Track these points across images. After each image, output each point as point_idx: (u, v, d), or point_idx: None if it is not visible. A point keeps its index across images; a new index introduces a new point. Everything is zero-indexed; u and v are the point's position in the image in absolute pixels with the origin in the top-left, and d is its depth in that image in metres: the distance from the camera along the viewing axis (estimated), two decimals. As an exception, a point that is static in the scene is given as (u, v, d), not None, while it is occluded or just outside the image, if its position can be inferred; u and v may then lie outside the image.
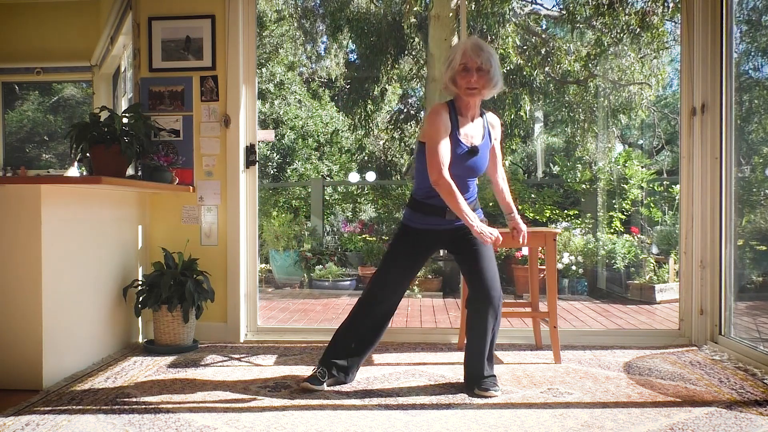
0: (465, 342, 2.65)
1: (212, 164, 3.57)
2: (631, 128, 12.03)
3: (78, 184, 2.93)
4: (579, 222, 6.37)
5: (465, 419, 2.22)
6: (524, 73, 8.85)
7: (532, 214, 6.57)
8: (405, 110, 11.16)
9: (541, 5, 9.55)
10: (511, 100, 9.15)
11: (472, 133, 2.58)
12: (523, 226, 2.79)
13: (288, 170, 9.62)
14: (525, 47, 9.08)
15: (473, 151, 2.56)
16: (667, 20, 7.88)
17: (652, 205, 6.23)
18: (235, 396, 2.51)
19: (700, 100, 3.36)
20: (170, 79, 3.57)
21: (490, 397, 2.48)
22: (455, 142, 2.53)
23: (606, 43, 8.33)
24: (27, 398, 2.47)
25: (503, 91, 2.76)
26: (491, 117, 2.70)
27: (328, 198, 8.24)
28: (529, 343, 3.45)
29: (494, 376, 2.58)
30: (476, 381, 2.55)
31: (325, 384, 2.60)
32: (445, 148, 2.48)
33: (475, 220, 2.47)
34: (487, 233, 2.44)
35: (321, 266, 6.36)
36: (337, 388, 2.62)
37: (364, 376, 2.80)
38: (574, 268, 5.77)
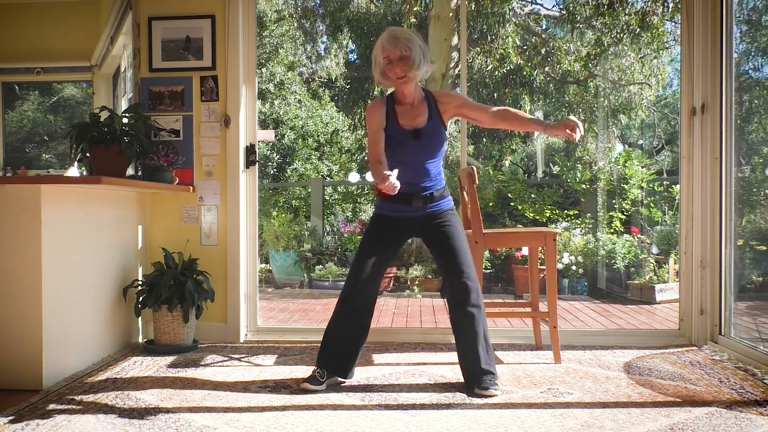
0: (456, 342, 2.67)
1: (212, 164, 3.57)
2: (631, 128, 12.03)
3: (78, 184, 2.93)
4: (579, 222, 6.37)
5: (465, 419, 2.22)
6: (524, 73, 8.86)
7: (532, 214, 6.58)
8: (405, 110, 11.14)
9: (541, 5, 9.56)
10: (511, 100, 9.15)
11: (413, 117, 2.63)
12: (572, 119, 2.47)
13: (288, 170, 9.62)
14: (525, 47, 9.09)
15: (416, 134, 2.60)
16: (667, 20, 7.88)
17: (652, 205, 6.23)
18: (235, 396, 2.51)
19: (700, 100, 3.36)
20: (170, 79, 3.57)
21: (490, 396, 2.48)
22: (396, 130, 2.61)
23: (606, 43, 8.34)
24: (27, 398, 2.47)
25: (431, 73, 2.73)
26: (437, 94, 2.70)
27: (328, 198, 8.24)
28: (529, 343, 3.45)
29: (493, 373, 2.57)
30: (475, 378, 2.55)
31: (324, 384, 2.60)
32: (373, 141, 2.62)
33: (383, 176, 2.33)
34: (380, 180, 2.33)
35: (321, 266, 6.37)
36: (337, 388, 2.62)
37: (364, 376, 2.80)
38: (574, 268, 5.77)
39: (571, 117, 2.48)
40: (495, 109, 2.68)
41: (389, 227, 2.68)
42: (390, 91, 2.72)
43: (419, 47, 2.56)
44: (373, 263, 2.64)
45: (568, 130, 2.45)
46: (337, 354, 2.65)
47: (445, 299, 2.71)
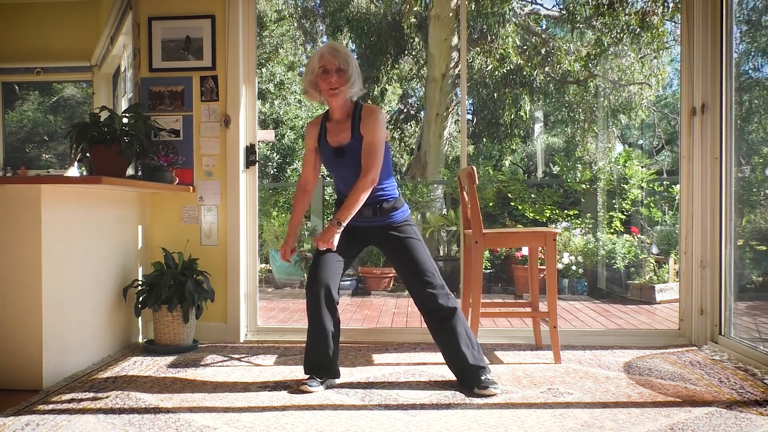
0: (439, 348, 2.68)
1: (212, 164, 3.57)
2: (631, 128, 12.04)
3: (78, 184, 2.93)
4: (579, 222, 6.37)
5: (465, 419, 2.22)
6: (524, 73, 8.86)
7: (532, 214, 6.58)
8: (405, 110, 11.17)
9: (541, 5, 9.56)
10: (511, 100, 9.16)
11: (339, 134, 2.64)
12: (326, 230, 2.55)
13: (288, 170, 9.62)
14: (525, 47, 9.09)
15: (338, 152, 2.63)
16: (667, 20, 7.88)
17: (652, 205, 6.23)
18: (235, 396, 2.51)
19: (700, 100, 3.36)
20: (170, 79, 3.57)
21: (490, 395, 2.48)
22: (324, 146, 2.68)
23: (606, 43, 8.34)
24: (27, 398, 2.47)
25: (362, 92, 2.71)
26: (365, 110, 2.64)
27: (328, 198, 8.24)
28: (529, 343, 3.45)
29: (484, 367, 2.57)
30: (469, 376, 2.55)
31: (323, 385, 2.61)
32: (304, 162, 2.82)
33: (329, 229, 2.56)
34: (322, 239, 2.55)
35: (321, 266, 6.35)
36: (337, 388, 2.63)
37: (364, 376, 2.80)
38: (574, 268, 5.77)
39: (325, 230, 2.55)
40: (364, 169, 2.53)
41: (344, 233, 2.64)
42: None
43: (356, 67, 2.61)
44: (330, 260, 2.64)
45: (316, 242, 2.58)
46: (319, 359, 2.64)
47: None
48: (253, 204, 3.64)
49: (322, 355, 2.64)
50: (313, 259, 2.68)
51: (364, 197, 2.54)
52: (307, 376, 2.65)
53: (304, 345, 2.71)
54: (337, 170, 2.70)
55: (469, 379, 2.56)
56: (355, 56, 11.18)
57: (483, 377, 2.54)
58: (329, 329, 2.63)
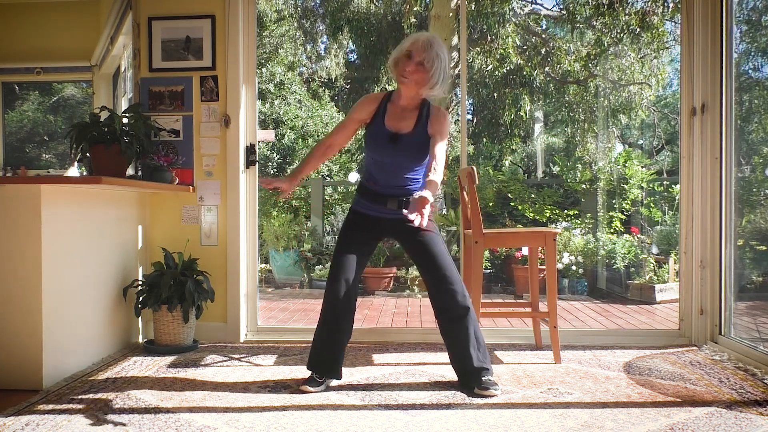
0: (446, 346, 2.66)
1: (212, 164, 3.57)
2: (631, 128, 12.03)
3: (78, 184, 2.93)
4: (579, 222, 6.37)
5: (465, 419, 2.22)
6: (524, 73, 8.86)
7: (532, 214, 6.58)
8: (405, 110, 11.13)
9: (541, 5, 9.56)
10: (511, 100, 9.16)
11: (399, 121, 2.58)
12: (422, 194, 2.24)
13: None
14: (525, 47, 9.09)
15: (393, 137, 2.56)
16: (667, 20, 7.88)
17: (652, 205, 6.23)
18: (235, 396, 2.51)
19: (700, 100, 3.36)
20: (170, 79, 3.57)
21: (490, 396, 2.48)
22: (379, 127, 2.59)
23: (606, 43, 8.34)
24: (27, 398, 2.47)
25: (447, 95, 2.66)
26: (436, 111, 2.61)
27: (328, 198, 8.24)
28: (529, 343, 3.45)
29: (488, 369, 2.57)
30: (471, 377, 2.55)
31: (323, 385, 2.61)
32: (340, 126, 2.69)
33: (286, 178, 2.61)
34: (266, 182, 2.58)
35: (321, 266, 6.36)
36: (337, 388, 2.63)
37: (364, 376, 2.80)
38: (574, 268, 5.77)
39: (422, 194, 2.23)
40: (435, 164, 2.46)
41: (363, 224, 2.66)
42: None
43: (443, 71, 2.49)
44: (351, 260, 2.62)
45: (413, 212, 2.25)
46: (328, 357, 2.64)
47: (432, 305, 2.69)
48: (253, 204, 3.64)
49: (331, 354, 2.64)
50: (334, 258, 2.64)
51: (436, 190, 2.50)
52: (308, 376, 2.65)
53: (305, 345, 2.71)
54: (381, 155, 2.60)
55: (470, 380, 2.56)
56: (354, 57, 11.17)
57: (484, 378, 2.54)
58: (344, 330, 2.63)
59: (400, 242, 2.76)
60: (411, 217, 2.18)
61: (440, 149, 2.54)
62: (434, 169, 2.45)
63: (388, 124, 2.59)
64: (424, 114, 2.59)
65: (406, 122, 2.58)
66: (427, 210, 2.22)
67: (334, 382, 2.69)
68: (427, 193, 2.24)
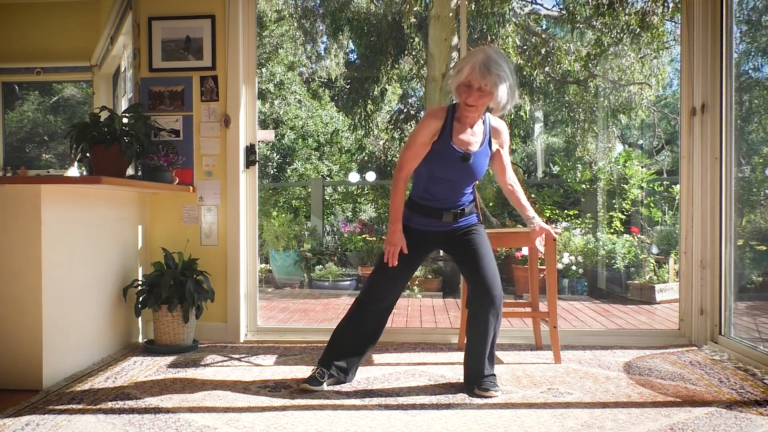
0: (465, 342, 2.65)
1: (212, 164, 3.57)
2: (631, 128, 12.03)
3: (78, 184, 2.93)
4: (579, 222, 6.37)
5: (465, 419, 2.22)
6: (524, 73, 8.85)
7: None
8: (405, 110, 11.15)
9: (541, 5, 9.55)
10: (511, 100, 9.14)
11: (468, 139, 2.55)
12: (546, 227, 2.75)
13: (288, 170, 9.62)
14: (525, 47, 9.08)
15: (466, 157, 2.52)
16: (667, 20, 7.88)
17: (652, 205, 6.23)
18: (235, 396, 2.51)
19: (700, 100, 3.36)
20: (170, 79, 3.57)
21: (490, 397, 2.48)
22: (447, 147, 2.51)
23: (606, 43, 8.33)
24: (27, 398, 2.47)
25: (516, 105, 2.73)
26: (496, 122, 2.63)
27: (328, 198, 8.25)
28: (529, 343, 3.45)
29: (494, 375, 2.58)
30: (476, 380, 2.55)
31: (324, 384, 2.60)
32: (412, 154, 2.54)
33: (392, 232, 2.55)
34: (387, 252, 2.53)
35: (321, 266, 6.36)
36: (337, 388, 2.63)
37: (364, 376, 2.80)
38: (574, 268, 5.77)
39: (546, 227, 2.74)
40: (511, 179, 2.74)
41: (416, 239, 2.60)
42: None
43: (509, 87, 2.44)
44: (398, 274, 2.61)
45: (538, 240, 2.71)
46: (344, 357, 2.64)
47: (463, 301, 2.70)
48: (253, 204, 3.64)
49: (354, 362, 2.66)
50: (383, 266, 2.58)
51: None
52: (308, 375, 2.64)
53: (305, 345, 2.72)
54: (451, 173, 2.54)
55: (474, 382, 2.56)
56: (354, 57, 11.18)
57: (487, 380, 2.54)
58: (368, 335, 2.65)
59: (451, 251, 2.71)
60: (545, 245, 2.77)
61: (508, 162, 2.72)
62: (520, 190, 2.75)
63: (457, 143, 2.52)
64: (488, 128, 2.60)
65: (475, 141, 2.56)
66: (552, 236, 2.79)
67: (342, 381, 2.68)
68: (545, 227, 2.74)
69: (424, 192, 2.60)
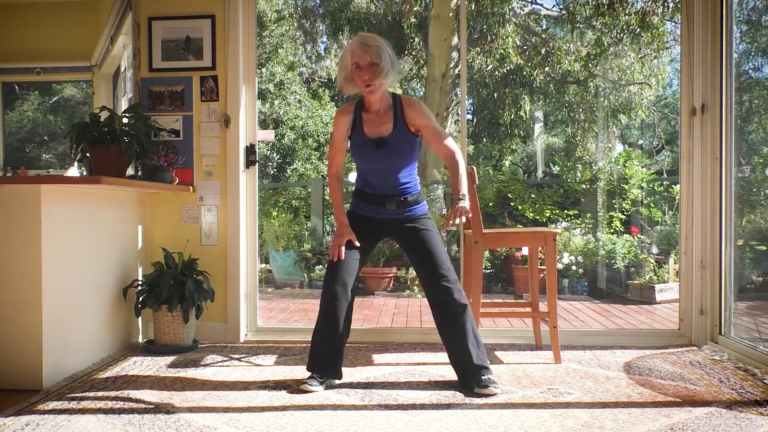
0: (444, 344, 2.68)
1: (212, 164, 3.57)
2: (631, 128, 12.04)
3: (78, 184, 2.93)
4: (579, 222, 6.37)
5: (465, 419, 2.22)
6: (524, 73, 8.85)
7: (532, 214, 6.58)
8: (405, 110, 11.14)
9: (541, 5, 9.56)
10: (511, 100, 9.15)
11: (378, 126, 2.62)
12: (463, 205, 2.55)
13: (288, 170, 9.62)
14: (525, 47, 9.09)
15: (379, 143, 2.60)
16: (667, 20, 7.88)
17: (652, 205, 6.23)
18: (235, 396, 2.51)
19: (700, 100, 3.36)
20: (170, 79, 3.57)
21: (490, 395, 2.48)
22: (360, 137, 2.63)
23: (606, 43, 8.34)
24: (27, 398, 2.47)
25: (403, 76, 2.75)
26: (405, 101, 2.64)
27: (328, 198, 8.24)
28: (529, 343, 3.45)
29: (487, 368, 2.57)
30: (471, 376, 2.55)
31: (323, 385, 2.61)
32: (334, 151, 2.74)
33: (337, 228, 2.67)
34: (331, 248, 2.60)
35: (321, 266, 6.36)
36: (337, 388, 2.63)
37: (364, 376, 2.80)
38: (574, 268, 5.77)
39: (461, 205, 2.55)
40: (449, 147, 2.65)
41: (363, 226, 2.70)
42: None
43: (389, 55, 2.53)
44: (350, 260, 2.63)
45: (454, 218, 2.56)
46: (328, 358, 2.64)
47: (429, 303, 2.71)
48: (253, 204, 3.64)
49: (330, 355, 2.63)
50: (332, 261, 2.65)
51: (464, 165, 2.67)
52: (308, 375, 2.65)
53: (305, 345, 2.71)
54: (372, 162, 2.65)
55: (469, 379, 2.56)
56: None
57: (484, 377, 2.54)
58: (342, 329, 2.63)
59: (398, 241, 2.80)
60: (451, 223, 2.51)
61: (437, 135, 2.65)
62: (458, 161, 2.62)
63: (368, 131, 2.63)
64: (399, 111, 2.63)
65: (385, 125, 2.62)
66: (463, 218, 2.55)
67: (335, 382, 2.69)
68: (465, 203, 2.55)
69: (363, 183, 2.73)
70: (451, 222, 2.54)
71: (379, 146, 2.60)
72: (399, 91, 11.00)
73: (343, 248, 2.62)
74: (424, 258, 2.64)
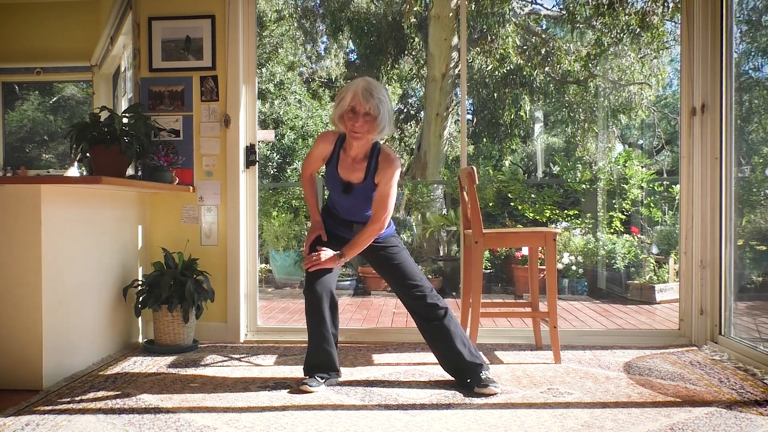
0: (432, 352, 2.71)
1: (212, 164, 3.57)
2: (631, 128, 12.04)
3: (78, 184, 2.93)
4: (579, 222, 6.37)
5: (465, 419, 2.22)
6: (524, 73, 8.85)
7: (532, 214, 6.58)
8: (405, 110, 11.16)
9: (541, 5, 9.56)
10: (511, 100, 9.15)
11: (350, 171, 2.62)
12: (325, 255, 2.59)
13: (288, 170, 9.62)
14: (525, 47, 9.08)
15: (347, 188, 2.62)
16: (667, 20, 7.88)
17: (652, 205, 6.23)
18: (235, 396, 2.52)
19: (700, 100, 3.36)
20: (170, 79, 3.57)
21: (491, 394, 2.48)
22: (333, 174, 2.65)
23: (606, 43, 8.33)
24: (27, 398, 2.47)
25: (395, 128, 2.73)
26: (383, 158, 2.60)
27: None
28: (529, 343, 3.45)
29: (481, 364, 2.57)
30: (467, 374, 2.56)
31: (323, 384, 2.61)
32: (310, 161, 2.75)
33: (310, 224, 2.72)
34: (312, 256, 2.58)
35: (321, 266, 6.35)
36: (337, 388, 2.63)
37: (364, 376, 2.80)
38: (574, 268, 5.77)
39: (324, 253, 2.58)
40: (375, 212, 2.61)
41: (334, 238, 2.72)
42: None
43: (388, 112, 2.52)
44: (327, 271, 2.62)
45: (308, 260, 2.59)
46: (322, 357, 2.64)
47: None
48: (253, 204, 3.64)
49: (325, 357, 2.64)
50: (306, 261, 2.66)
51: (370, 240, 2.61)
52: (308, 376, 2.65)
53: (305, 345, 2.71)
54: (340, 198, 2.69)
55: (467, 378, 2.56)
56: (354, 57, 11.18)
57: (483, 376, 2.54)
58: (332, 332, 2.63)
59: (368, 261, 2.84)
60: (310, 268, 2.56)
61: (379, 203, 2.60)
62: (367, 228, 2.60)
63: (341, 173, 2.64)
64: (373, 164, 2.61)
65: (357, 173, 2.62)
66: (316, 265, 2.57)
67: (337, 380, 2.69)
68: (327, 255, 2.57)
69: (332, 203, 2.76)
70: (305, 264, 2.60)
71: (346, 190, 2.63)
72: (399, 91, 11.00)
73: (324, 252, 2.60)
74: (395, 273, 2.69)
